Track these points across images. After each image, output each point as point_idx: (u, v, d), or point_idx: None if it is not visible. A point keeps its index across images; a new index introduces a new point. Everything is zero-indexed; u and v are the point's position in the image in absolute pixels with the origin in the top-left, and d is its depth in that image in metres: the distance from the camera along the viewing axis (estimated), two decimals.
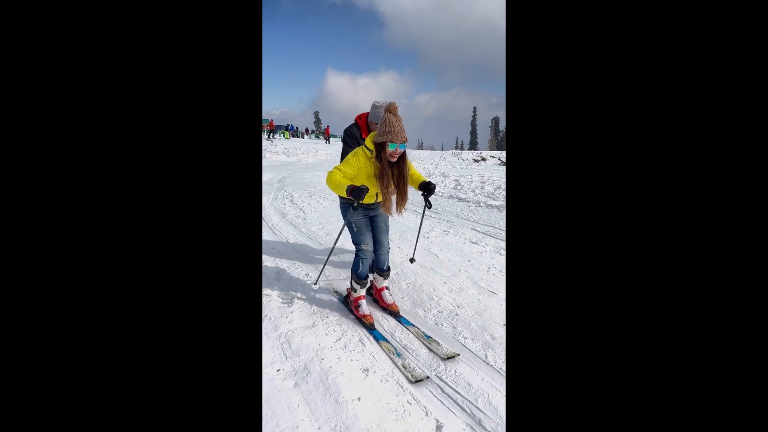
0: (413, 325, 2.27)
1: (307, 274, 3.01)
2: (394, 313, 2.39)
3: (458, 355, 1.98)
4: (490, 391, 1.71)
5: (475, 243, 3.75)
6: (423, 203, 2.30)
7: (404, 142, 1.97)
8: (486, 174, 9.07)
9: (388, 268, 2.47)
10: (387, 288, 2.50)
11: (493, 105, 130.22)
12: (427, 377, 1.83)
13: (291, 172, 9.47)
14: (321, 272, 2.59)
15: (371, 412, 1.59)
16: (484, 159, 18.74)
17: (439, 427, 1.53)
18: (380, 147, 1.99)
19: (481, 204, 5.55)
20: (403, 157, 2.06)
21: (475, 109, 60.96)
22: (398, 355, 2.00)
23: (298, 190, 6.72)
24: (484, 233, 4.12)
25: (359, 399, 1.65)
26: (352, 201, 2.00)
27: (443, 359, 1.95)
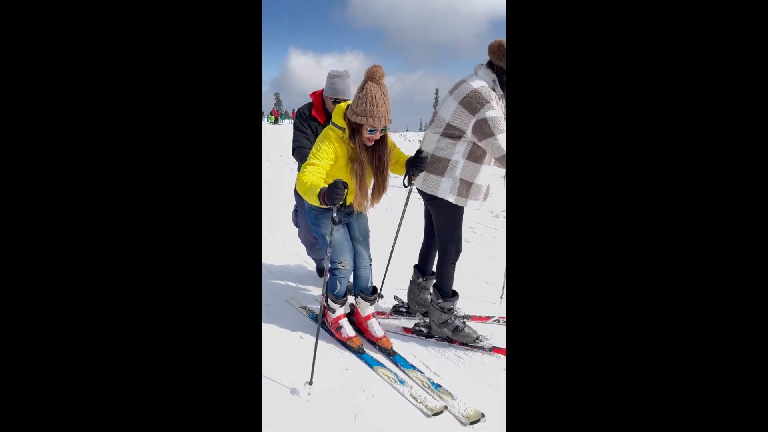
0: (414, 368, 1.75)
1: None
2: (386, 350, 1.85)
3: (483, 417, 1.46)
4: None
5: None
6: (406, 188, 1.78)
7: (387, 125, 1.53)
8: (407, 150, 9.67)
9: (375, 289, 1.95)
10: (374, 315, 1.95)
11: None
12: (446, 407, 1.49)
13: None
14: (313, 371, 1.65)
15: None
16: None
17: None
18: (355, 127, 1.54)
19: None
20: (383, 138, 1.62)
21: (437, 90, 60.54)
22: (401, 382, 1.63)
23: None
24: None
25: None
26: (329, 208, 1.50)
27: (464, 424, 1.44)
